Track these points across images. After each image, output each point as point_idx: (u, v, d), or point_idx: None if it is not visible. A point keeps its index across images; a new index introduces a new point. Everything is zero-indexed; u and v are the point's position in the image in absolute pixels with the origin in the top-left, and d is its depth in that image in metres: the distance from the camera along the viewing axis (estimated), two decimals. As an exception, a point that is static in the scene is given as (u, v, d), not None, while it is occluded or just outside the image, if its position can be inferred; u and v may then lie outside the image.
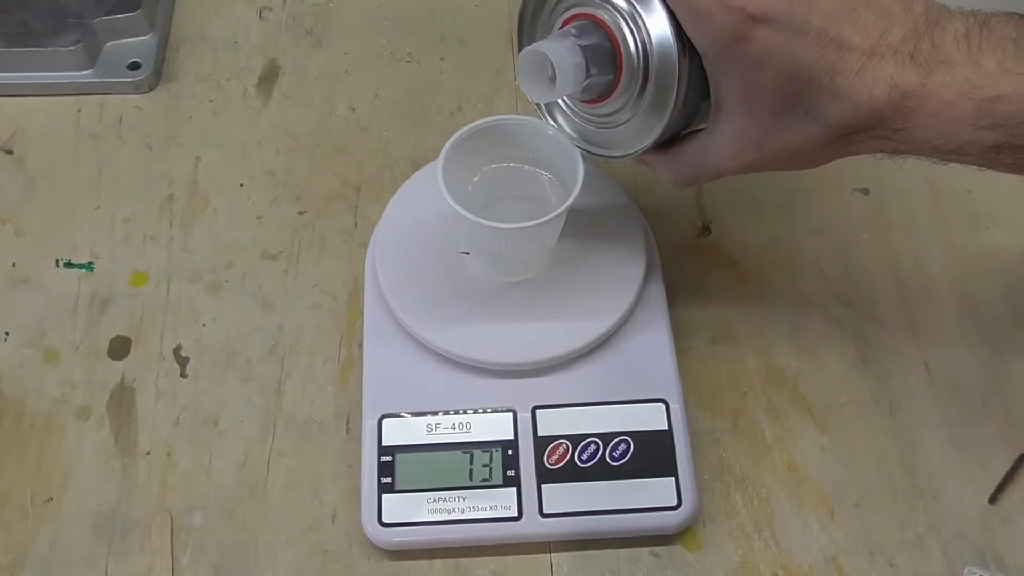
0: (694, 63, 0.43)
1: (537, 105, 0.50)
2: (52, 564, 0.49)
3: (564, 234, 0.52)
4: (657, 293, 0.54)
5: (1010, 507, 0.51)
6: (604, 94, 0.46)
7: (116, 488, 0.51)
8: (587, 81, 0.45)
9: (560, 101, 0.50)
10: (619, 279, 0.54)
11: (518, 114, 0.51)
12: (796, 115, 0.42)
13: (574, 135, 0.50)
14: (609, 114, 0.47)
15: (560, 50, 0.44)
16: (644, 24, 0.43)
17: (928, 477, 0.52)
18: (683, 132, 0.47)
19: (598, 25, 0.45)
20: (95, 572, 0.49)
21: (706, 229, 0.60)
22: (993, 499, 0.51)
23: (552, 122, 0.50)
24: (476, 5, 0.71)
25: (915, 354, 0.56)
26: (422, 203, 0.56)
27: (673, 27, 0.42)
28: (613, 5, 0.44)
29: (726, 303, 0.57)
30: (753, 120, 0.43)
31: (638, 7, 0.43)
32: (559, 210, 0.48)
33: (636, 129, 0.46)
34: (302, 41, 0.69)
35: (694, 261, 0.59)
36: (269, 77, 0.67)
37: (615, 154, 0.48)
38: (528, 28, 0.48)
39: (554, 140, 0.50)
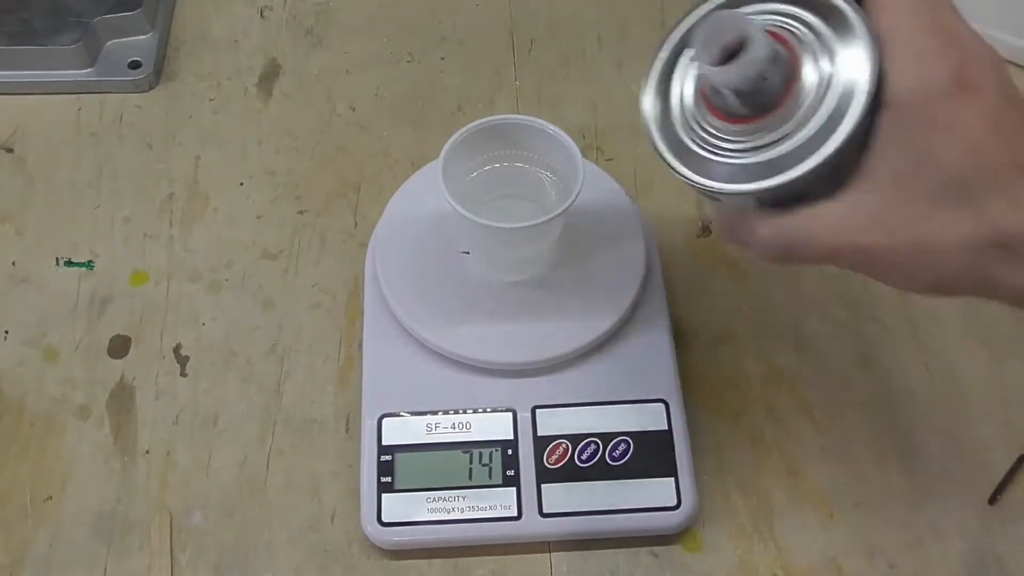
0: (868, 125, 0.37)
1: (643, 98, 0.41)
2: (52, 563, 0.49)
3: (564, 234, 0.52)
4: (657, 293, 0.54)
5: (1009, 508, 0.51)
6: (751, 115, 0.38)
7: (116, 487, 0.51)
8: (755, 85, 0.37)
9: (683, 103, 0.41)
10: (619, 279, 0.54)
11: (518, 114, 0.51)
12: (954, 204, 0.36)
13: (664, 146, 0.41)
14: (747, 136, 0.39)
15: (759, 32, 0.37)
16: (839, 56, 0.37)
17: (927, 478, 0.52)
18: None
19: (780, 43, 0.38)
20: (94, 571, 0.49)
21: (706, 229, 0.60)
22: (992, 500, 0.51)
23: (651, 123, 0.41)
24: (476, 5, 0.71)
25: (915, 354, 0.56)
26: (422, 203, 0.56)
27: (873, 72, 0.36)
28: (810, 26, 0.38)
29: (726, 303, 0.57)
30: (904, 196, 0.36)
31: (838, 35, 0.37)
32: (559, 210, 0.48)
33: (754, 168, 0.38)
34: (302, 40, 0.69)
35: (694, 261, 0.59)
36: (269, 76, 0.67)
37: (710, 185, 0.39)
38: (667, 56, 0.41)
39: (555, 140, 0.50)
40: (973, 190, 0.36)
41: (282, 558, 0.50)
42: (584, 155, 0.49)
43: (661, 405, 0.51)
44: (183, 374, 0.55)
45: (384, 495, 0.49)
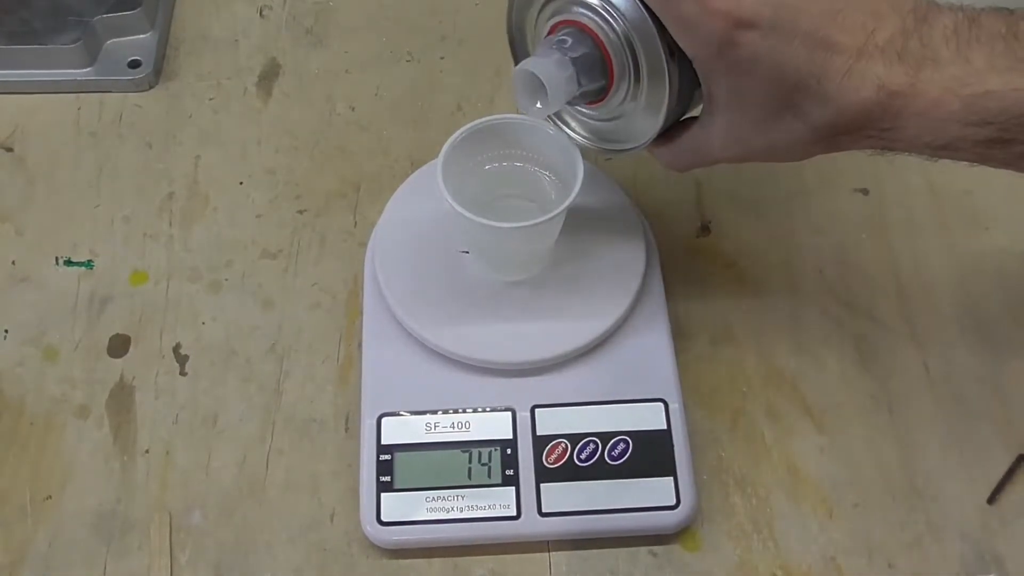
0: (683, 61, 0.43)
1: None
2: (51, 563, 0.49)
3: (564, 234, 0.52)
4: (656, 293, 0.54)
5: (1009, 507, 0.51)
6: (600, 98, 0.47)
7: (115, 487, 0.51)
8: (580, 91, 0.46)
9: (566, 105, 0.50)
10: (618, 279, 0.54)
11: (518, 113, 0.51)
12: (784, 116, 0.42)
13: (587, 134, 0.50)
14: (611, 112, 0.48)
15: (549, 66, 0.45)
16: (629, 29, 0.44)
17: (927, 477, 0.52)
18: (681, 118, 0.48)
19: (584, 32, 0.45)
20: (94, 571, 0.49)
21: (706, 229, 0.60)
22: (992, 499, 0.51)
23: (564, 127, 0.51)
24: (476, 4, 0.71)
25: (914, 354, 0.56)
26: (422, 202, 0.56)
27: (659, 31, 0.43)
28: (593, 10, 0.44)
29: (726, 303, 0.57)
30: (742, 119, 0.44)
31: (622, 13, 0.43)
32: (559, 210, 0.48)
33: (639, 122, 0.47)
34: (302, 40, 0.69)
35: (694, 261, 0.59)
36: (269, 76, 0.67)
37: (627, 147, 0.49)
38: (517, 34, 0.49)
39: (554, 140, 0.50)
40: (790, 104, 0.42)
41: (282, 558, 0.50)
42: (583, 155, 0.49)
43: (660, 404, 0.51)
44: (183, 373, 0.55)
45: (383, 494, 0.49)
